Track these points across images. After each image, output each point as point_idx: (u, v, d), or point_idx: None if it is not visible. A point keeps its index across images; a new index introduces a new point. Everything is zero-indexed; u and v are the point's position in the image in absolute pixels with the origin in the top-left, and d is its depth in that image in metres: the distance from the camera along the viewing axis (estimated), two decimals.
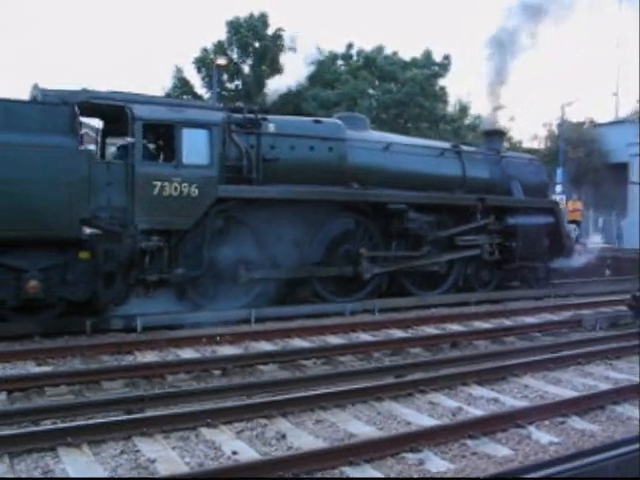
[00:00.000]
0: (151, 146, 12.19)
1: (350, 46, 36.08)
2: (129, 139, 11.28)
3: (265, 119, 12.69)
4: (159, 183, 11.15)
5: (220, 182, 11.80)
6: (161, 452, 5.58)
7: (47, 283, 10.20)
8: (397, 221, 13.84)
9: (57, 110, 10.46)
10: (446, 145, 16.11)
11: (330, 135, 13.37)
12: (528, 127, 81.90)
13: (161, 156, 12.28)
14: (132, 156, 11.10)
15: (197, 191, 11.46)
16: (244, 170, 12.13)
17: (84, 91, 11.12)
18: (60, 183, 10.15)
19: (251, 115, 12.52)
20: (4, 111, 10.06)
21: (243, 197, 12.10)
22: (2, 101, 10.26)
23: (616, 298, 14.53)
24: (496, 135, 17.53)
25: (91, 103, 11.02)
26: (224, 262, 11.94)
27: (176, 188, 11.27)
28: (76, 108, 10.55)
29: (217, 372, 8.36)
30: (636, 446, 4.87)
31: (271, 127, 12.70)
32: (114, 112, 11.43)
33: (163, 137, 11.90)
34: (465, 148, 16.16)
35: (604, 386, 7.91)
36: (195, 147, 11.56)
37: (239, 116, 12.41)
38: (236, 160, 12.10)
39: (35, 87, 11.27)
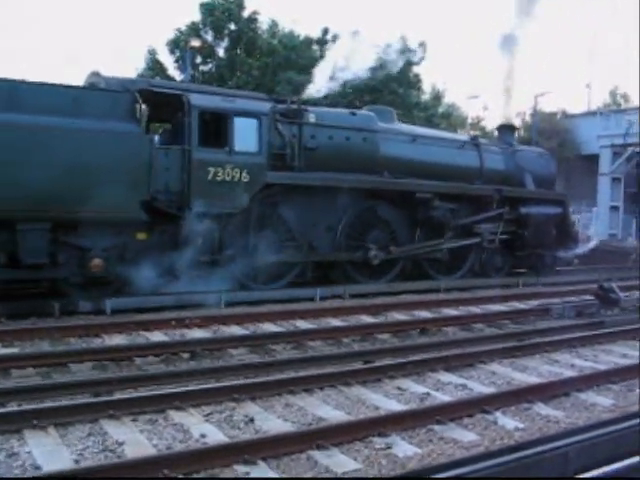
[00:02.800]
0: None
1: (326, 31, 35.90)
2: None
3: (306, 110, 13.40)
4: (213, 169, 11.76)
5: (267, 169, 12.43)
6: (129, 435, 5.56)
7: (108, 261, 10.86)
8: (423, 209, 14.70)
9: (121, 97, 11.05)
10: (465, 138, 17.27)
11: (364, 126, 14.13)
12: (502, 117, 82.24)
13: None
14: (189, 142, 11.59)
15: (248, 177, 12.10)
16: (287, 158, 12.91)
17: (143, 79, 11.56)
18: (124, 167, 10.70)
19: (294, 106, 13.27)
20: (74, 98, 10.54)
21: (289, 183, 12.82)
22: (72, 88, 10.92)
23: (583, 287, 14.76)
24: (509, 129, 18.53)
25: (148, 90, 11.44)
26: (266, 244, 12.56)
27: (228, 174, 11.88)
28: (137, 95, 11.02)
29: (186, 355, 8.34)
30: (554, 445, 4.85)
31: (312, 117, 13.41)
32: (161, 99, 11.79)
33: (215, 125, 12.12)
34: (482, 141, 17.07)
35: (569, 373, 8.03)
36: (246, 135, 12.15)
37: (283, 106, 13.16)
38: (280, 148, 12.86)
39: (95, 74, 11.81)
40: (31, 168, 9.96)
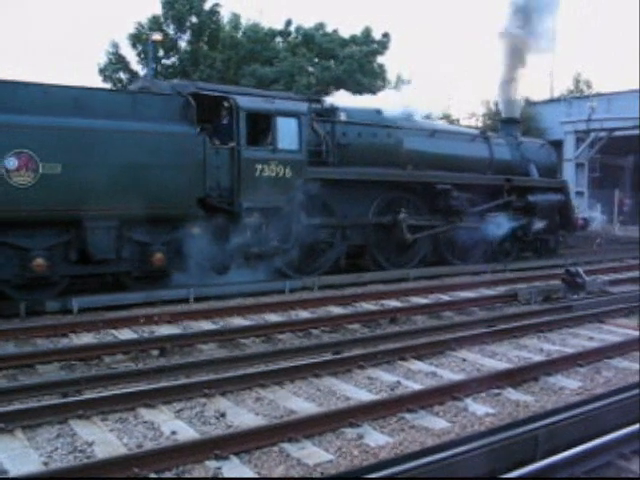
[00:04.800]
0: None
1: (289, 23, 35.71)
2: None
3: (338, 109, 14.40)
4: (260, 166, 12.57)
5: (307, 165, 13.30)
6: (99, 434, 5.51)
7: (167, 255, 11.64)
8: (443, 198, 15.76)
9: (176, 100, 11.91)
10: (475, 132, 18.58)
11: (389, 123, 15.17)
12: (466, 105, 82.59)
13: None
14: (237, 141, 12.31)
15: (290, 173, 12.92)
16: (323, 154, 13.90)
17: (190, 83, 13.04)
18: (181, 166, 11.53)
19: (328, 105, 14.42)
20: (132, 102, 11.44)
21: (327, 178, 13.70)
22: (130, 93, 12.20)
23: (550, 272, 14.93)
24: (513, 123, 19.55)
25: (197, 94, 12.21)
26: (307, 235, 13.42)
27: (273, 170, 12.72)
28: (190, 98, 11.84)
29: (155, 352, 8.28)
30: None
31: (343, 116, 14.40)
32: (205, 101, 12.39)
33: (260, 125, 12.87)
34: (490, 134, 18.45)
35: (538, 358, 8.12)
36: (287, 134, 12.98)
37: (318, 106, 14.23)
38: (316, 145, 13.82)
39: (146, 79, 12.87)
40: (99, 169, 10.67)
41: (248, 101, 12.65)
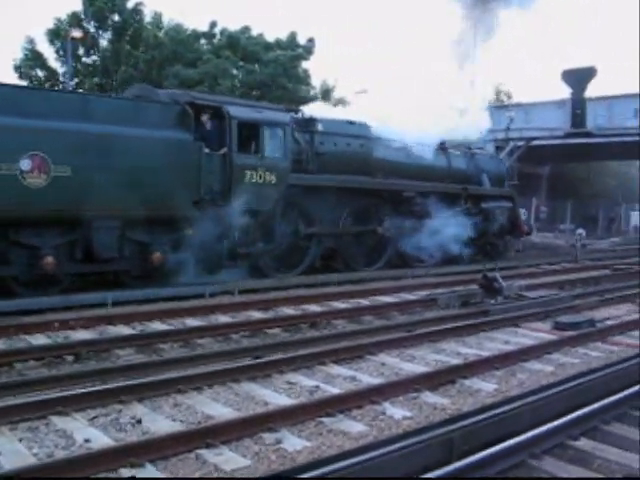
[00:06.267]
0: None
1: (213, 25, 35.41)
2: None
3: (316, 119, 15.39)
4: (249, 172, 13.37)
5: (290, 171, 14.16)
6: (6, 445, 5.30)
7: (166, 255, 12.28)
8: (407, 204, 17.08)
9: (174, 108, 12.63)
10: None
11: (361, 134, 16.28)
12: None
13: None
14: (229, 148, 13.07)
15: (275, 179, 13.73)
16: (303, 162, 14.82)
17: (187, 92, 13.93)
18: (179, 170, 12.21)
19: (308, 116, 15.47)
20: (134, 109, 12.19)
21: (308, 184, 14.74)
22: (131, 100, 13.01)
23: (469, 277, 15.24)
24: None
25: (192, 103, 12.86)
26: (288, 237, 14.56)
27: (261, 176, 13.51)
28: (187, 107, 12.55)
29: (70, 358, 8.04)
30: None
31: (320, 126, 15.38)
32: (197, 109, 12.98)
33: (249, 133, 13.59)
34: (447, 145, 19.36)
35: (455, 361, 8.25)
36: (274, 142, 13.86)
37: (299, 116, 15.38)
38: (297, 153, 14.69)
39: (141, 87, 13.91)
40: (104, 171, 11.23)
41: (239, 111, 13.44)
